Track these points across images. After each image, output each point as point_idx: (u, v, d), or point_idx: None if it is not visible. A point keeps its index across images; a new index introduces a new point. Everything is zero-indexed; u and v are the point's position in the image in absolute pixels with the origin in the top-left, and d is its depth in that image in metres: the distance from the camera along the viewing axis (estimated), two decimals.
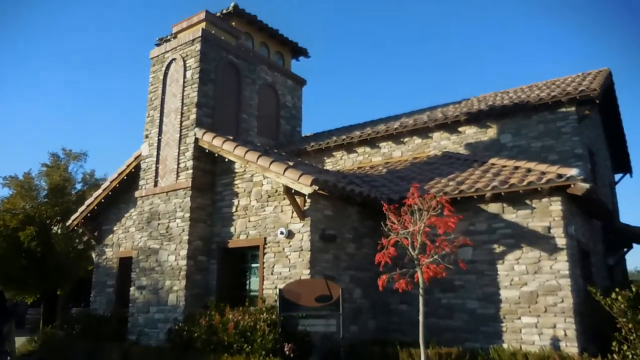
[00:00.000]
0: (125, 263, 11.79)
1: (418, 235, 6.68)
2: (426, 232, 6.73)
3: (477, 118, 12.02)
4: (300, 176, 8.24)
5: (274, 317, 7.93)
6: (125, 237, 12.08)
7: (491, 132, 11.97)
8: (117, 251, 12.15)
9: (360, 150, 13.88)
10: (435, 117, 12.73)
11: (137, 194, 10.98)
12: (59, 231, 13.62)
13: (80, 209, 12.39)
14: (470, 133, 12.23)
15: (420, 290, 6.66)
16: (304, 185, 8.20)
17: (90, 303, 12.47)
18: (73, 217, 12.49)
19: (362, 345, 8.24)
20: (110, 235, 12.46)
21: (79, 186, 14.44)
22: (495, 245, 8.64)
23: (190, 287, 9.57)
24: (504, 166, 9.77)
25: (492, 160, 10.31)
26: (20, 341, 13.89)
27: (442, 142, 12.54)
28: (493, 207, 8.81)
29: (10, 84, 49.32)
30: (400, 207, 7.01)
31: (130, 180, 11.82)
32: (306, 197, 8.65)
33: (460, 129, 12.34)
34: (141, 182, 11.02)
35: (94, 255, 15.08)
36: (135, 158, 11.52)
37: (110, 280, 12.07)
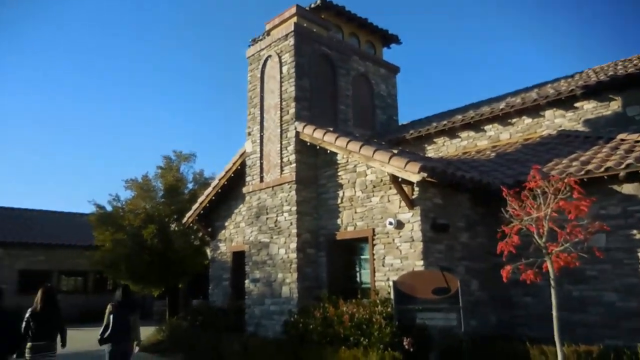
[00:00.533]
0: (239, 257, 12.29)
1: (544, 222, 6.10)
2: (553, 217, 6.13)
3: (596, 91, 10.79)
4: (407, 163, 7.94)
5: (389, 310, 7.75)
6: (237, 232, 12.59)
7: (615, 106, 10.70)
8: (230, 246, 12.70)
9: (463, 134, 13.15)
10: (546, 93, 11.67)
11: (244, 189, 11.36)
12: (176, 228, 14.55)
13: (194, 207, 13.13)
14: (589, 108, 11.03)
15: (552, 282, 6.09)
16: (412, 173, 7.89)
17: (209, 295, 13.20)
18: (188, 215, 13.27)
19: (484, 341, 7.80)
20: (223, 231, 13.06)
21: (190, 186, 15.35)
22: (635, 231, 7.70)
23: (301, 280, 9.71)
24: (637, 141, 8.68)
25: (621, 136, 9.21)
26: (149, 330, 15.14)
27: (556, 120, 11.46)
28: (628, 188, 7.85)
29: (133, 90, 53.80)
30: (520, 192, 6.46)
31: (237, 177, 12.26)
32: (414, 185, 8.34)
33: (576, 104, 11.18)
34: (247, 178, 11.37)
35: (208, 250, 15.98)
36: (241, 155, 11.92)
37: (226, 273, 12.67)
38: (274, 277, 10.18)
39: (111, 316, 6.74)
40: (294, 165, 10.15)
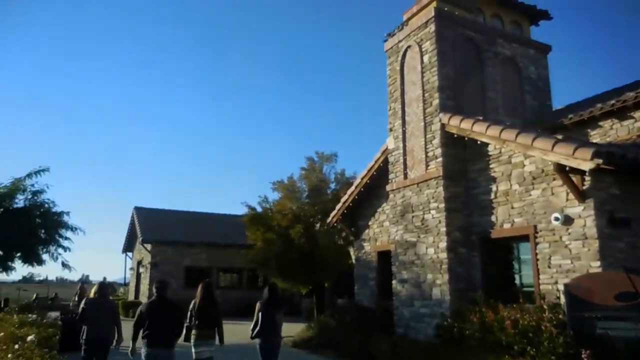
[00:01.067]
0: (384, 256, 12.05)
1: None
2: None
3: None
4: (575, 150, 6.93)
5: (560, 317, 6.82)
6: (381, 231, 12.37)
7: None
8: (375, 245, 12.53)
9: (637, 114, 11.26)
10: None
11: (388, 187, 11.08)
12: (321, 228, 14.84)
13: (337, 207, 13.23)
14: None
15: None
16: (582, 160, 6.86)
17: (355, 295, 13.17)
18: (332, 215, 13.42)
19: None
20: (366, 230, 12.94)
21: (332, 186, 15.55)
22: None
23: (453, 281, 9.10)
24: None
25: None
26: (299, 327, 15.67)
27: None
28: None
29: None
30: None
31: (380, 175, 12.03)
32: (585, 174, 7.26)
33: None
34: (391, 176, 11.07)
35: (351, 250, 16.06)
36: (382, 152, 11.67)
37: (371, 273, 12.52)
38: (423, 277, 9.72)
39: (260, 313, 7.10)
40: (440, 159, 9.59)
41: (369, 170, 12.13)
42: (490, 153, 9.10)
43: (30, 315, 10.93)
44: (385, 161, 11.53)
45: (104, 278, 25.75)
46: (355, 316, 11.40)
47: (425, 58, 10.25)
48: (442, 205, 9.38)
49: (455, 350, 8.05)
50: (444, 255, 9.22)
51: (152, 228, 24.34)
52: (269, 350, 7.12)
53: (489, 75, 10.70)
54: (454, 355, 7.96)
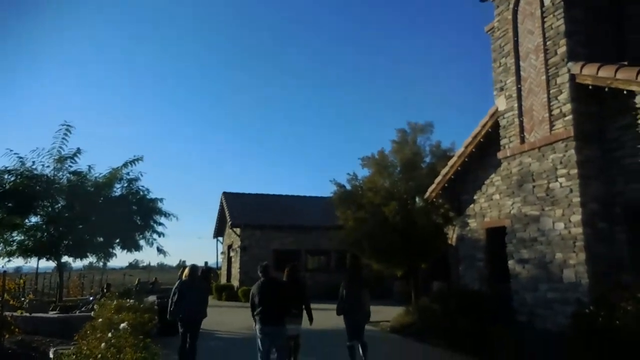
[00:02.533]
0: (494, 234, 10.65)
1: None
2: None
3: None
4: None
5: None
6: (489, 206, 10.93)
7: None
8: (482, 222, 11.12)
9: None
10: None
11: (499, 155, 9.64)
12: (417, 205, 13.63)
13: (437, 180, 11.93)
14: None
15: None
16: None
17: (460, 278, 11.88)
18: (430, 190, 12.15)
19: None
20: (471, 205, 11.54)
21: (427, 159, 14.18)
22: None
23: (592, 262, 7.57)
24: None
25: None
26: (393, 311, 14.66)
27: None
28: None
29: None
30: None
31: (487, 143, 10.58)
32: None
33: None
34: (503, 142, 9.61)
35: (450, 229, 14.69)
36: (491, 116, 10.19)
37: (479, 253, 11.15)
38: (550, 257, 8.25)
39: (344, 291, 7.50)
40: (570, 117, 8.00)
41: (474, 137, 10.68)
42: (638, 106, 7.38)
43: (129, 300, 10.87)
44: (495, 126, 10.07)
45: (206, 263, 26.44)
46: (464, 301, 10.14)
47: (547, 0, 8.60)
48: (574, 172, 7.83)
49: (602, 343, 6.60)
50: (578, 231, 7.70)
51: (241, 212, 24.44)
52: (355, 326, 7.44)
53: (631, 13, 8.79)
54: (603, 350, 6.52)
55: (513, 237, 9.17)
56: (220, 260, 30.21)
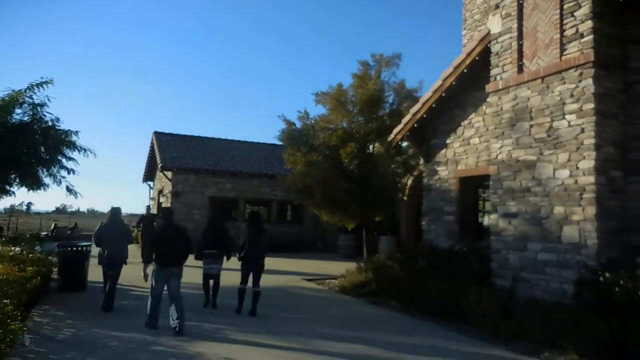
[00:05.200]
0: (468, 184, 9.22)
1: None
2: None
3: None
4: None
5: None
6: (465, 152, 9.36)
7: None
8: (455, 170, 9.57)
9: None
10: None
11: (489, 88, 7.96)
12: (376, 150, 11.93)
13: (405, 119, 10.18)
14: None
15: None
16: None
17: (424, 232, 10.40)
18: (396, 131, 10.40)
19: None
20: (443, 151, 9.94)
21: (389, 99, 12.39)
22: None
23: (602, 218, 6.16)
24: None
25: None
26: (341, 267, 13.16)
27: None
28: None
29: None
30: None
31: (469, 75, 8.88)
32: None
33: None
34: (494, 72, 7.91)
35: (406, 180, 13.24)
36: (480, 41, 8.42)
37: (448, 205, 9.65)
38: (546, 211, 6.79)
39: (245, 238, 7.75)
40: (589, 38, 6.35)
41: (456, 67, 8.89)
42: None
43: (14, 248, 8.50)
44: (484, 53, 8.34)
45: (148, 207, 23.73)
46: (430, 259, 8.66)
47: None
48: (590, 107, 6.27)
49: (622, 318, 5.23)
50: (587, 180, 6.23)
51: (173, 154, 21.85)
52: (250, 272, 7.66)
53: None
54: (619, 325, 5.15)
55: (499, 187, 7.64)
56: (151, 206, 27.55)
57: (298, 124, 12.38)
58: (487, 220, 9.06)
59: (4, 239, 9.62)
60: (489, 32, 8.12)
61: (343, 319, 7.76)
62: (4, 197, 13.72)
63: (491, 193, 7.77)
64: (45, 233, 26.18)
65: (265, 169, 22.35)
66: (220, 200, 21.32)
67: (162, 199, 23.14)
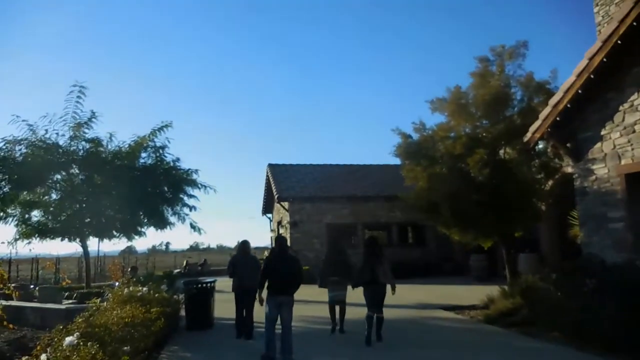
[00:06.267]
0: (636, 182, 7.38)
1: None
2: None
3: None
4: None
5: None
6: (630, 142, 7.57)
7: None
8: (617, 166, 7.79)
9: None
10: None
11: None
12: (507, 155, 10.40)
13: (543, 114, 8.63)
14: None
15: None
16: None
17: (582, 245, 8.64)
18: (533, 129, 8.87)
19: None
20: (598, 145, 8.21)
21: (517, 96, 10.81)
22: None
23: None
24: None
25: None
26: (477, 292, 11.61)
27: None
28: None
29: None
30: None
31: (625, 48, 7.22)
32: None
33: None
34: None
35: (547, 185, 11.40)
36: (637, 2, 6.77)
37: (613, 210, 7.85)
38: None
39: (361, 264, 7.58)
40: None
41: (605, 42, 7.27)
42: None
43: (142, 288, 8.50)
44: None
45: (244, 239, 24.31)
46: (601, 279, 6.97)
47: None
48: None
49: None
50: None
51: (288, 184, 21.93)
52: (371, 298, 7.34)
53: None
54: None
55: None
56: (271, 238, 28.02)
57: (414, 136, 11.31)
58: None
59: (134, 280, 9.79)
60: None
61: (499, 357, 6.43)
62: (137, 237, 14.49)
63: None
64: (178, 270, 27.81)
65: (382, 190, 21.44)
66: (337, 226, 20.78)
67: (281, 230, 23.24)
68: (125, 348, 4.76)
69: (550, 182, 11.96)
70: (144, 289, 8.49)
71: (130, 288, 8.69)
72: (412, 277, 16.96)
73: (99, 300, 9.35)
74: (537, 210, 10.53)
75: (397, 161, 12.50)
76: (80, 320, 5.32)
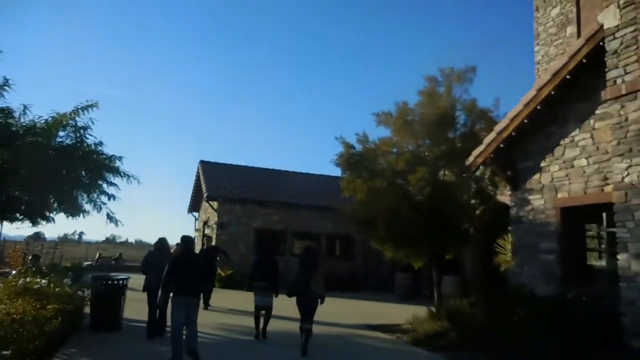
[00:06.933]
0: (571, 216, 7.52)
1: None
2: None
3: None
4: None
5: None
6: (568, 176, 7.71)
7: None
8: (554, 198, 7.92)
9: None
10: None
11: (606, 94, 6.41)
12: (446, 177, 10.41)
13: (487, 140, 8.66)
14: None
15: None
16: None
17: (510, 275, 8.70)
18: (476, 153, 8.89)
19: None
20: (536, 176, 8.33)
21: (461, 120, 10.89)
22: None
23: None
24: None
25: None
26: (403, 311, 11.54)
27: None
28: None
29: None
30: None
31: (572, 83, 7.36)
32: None
33: None
34: (612, 74, 6.38)
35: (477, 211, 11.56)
36: (588, 40, 6.92)
37: (545, 242, 7.96)
38: None
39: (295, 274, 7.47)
40: None
41: (556, 74, 7.37)
42: None
43: (40, 280, 7.46)
44: (593, 54, 6.83)
45: (208, 237, 22.94)
46: (532, 309, 6.97)
47: None
48: None
49: None
50: None
51: (219, 184, 21.00)
52: (304, 309, 7.21)
53: None
54: None
55: (628, 218, 5.97)
56: (195, 237, 26.76)
57: (357, 147, 11.06)
58: (603, 261, 7.32)
59: (33, 270, 8.65)
60: (600, 27, 6.64)
61: None
62: (43, 223, 13.03)
63: (618, 225, 6.09)
64: (88, 262, 25.80)
65: (316, 200, 21.12)
66: (266, 232, 20.15)
67: (207, 230, 22.22)
68: (5, 353, 3.93)
69: (481, 208, 12.18)
70: (43, 281, 7.47)
71: (27, 279, 7.63)
72: (338, 289, 16.69)
73: None
74: (469, 234, 10.57)
75: (333, 172, 12.26)
76: None
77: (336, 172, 11.79)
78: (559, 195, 7.83)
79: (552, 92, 7.47)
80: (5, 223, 13.35)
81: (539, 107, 7.74)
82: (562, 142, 7.88)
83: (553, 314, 6.50)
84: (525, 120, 7.98)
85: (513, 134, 8.24)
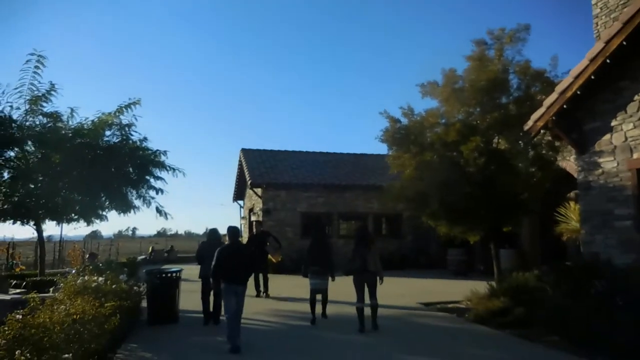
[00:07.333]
0: None
1: None
2: None
3: None
4: None
5: None
6: None
7: None
8: (629, 160, 7.21)
9: None
10: None
11: None
12: (500, 145, 9.77)
13: (548, 102, 7.97)
14: None
15: None
16: None
17: (583, 244, 8.08)
18: (535, 117, 8.22)
19: None
20: (607, 136, 7.62)
21: (514, 84, 10.16)
22: None
23: None
24: None
25: None
26: (457, 287, 11.10)
27: None
28: None
29: None
30: None
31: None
32: None
33: None
34: None
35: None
36: None
37: (621, 207, 7.29)
38: None
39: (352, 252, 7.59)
40: None
41: (627, 23, 6.60)
42: None
43: (97, 278, 7.48)
44: None
45: (259, 223, 23.16)
46: (611, 282, 6.39)
47: None
48: None
49: None
50: None
51: (262, 170, 20.97)
52: (362, 286, 7.38)
53: None
54: None
55: None
56: (242, 225, 27.00)
57: (403, 121, 10.54)
58: None
59: (91, 267, 8.74)
60: None
61: None
62: (98, 221, 13.29)
63: None
64: (143, 257, 26.52)
65: (360, 179, 20.77)
66: (312, 215, 19.99)
67: (253, 218, 22.29)
68: (66, 356, 3.82)
69: (539, 176, 11.47)
70: (100, 278, 7.49)
71: (86, 277, 7.67)
72: (388, 269, 16.32)
73: (52, 290, 8.31)
74: (529, 204, 9.93)
75: (374, 150, 11.81)
76: (12, 319, 4.34)
77: (379, 149, 11.34)
78: (635, 155, 7.12)
79: (624, 43, 6.72)
80: (63, 224, 13.70)
81: (608, 61, 6.99)
82: (636, 97, 7.13)
83: (636, 286, 5.90)
84: (592, 77, 7.25)
85: (578, 92, 7.52)
